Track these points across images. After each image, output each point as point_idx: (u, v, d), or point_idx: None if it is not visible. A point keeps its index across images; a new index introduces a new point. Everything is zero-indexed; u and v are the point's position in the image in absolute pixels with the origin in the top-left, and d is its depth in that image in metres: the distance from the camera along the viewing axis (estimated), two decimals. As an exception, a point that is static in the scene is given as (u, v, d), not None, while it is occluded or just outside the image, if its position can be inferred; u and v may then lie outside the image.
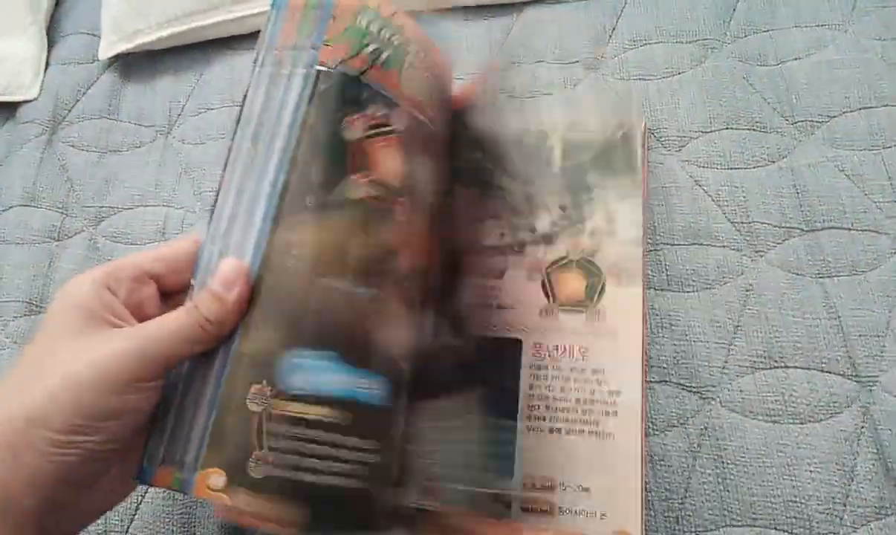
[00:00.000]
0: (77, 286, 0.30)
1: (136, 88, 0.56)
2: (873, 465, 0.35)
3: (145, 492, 0.41)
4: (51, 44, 0.60)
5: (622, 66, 0.48)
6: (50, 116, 0.56)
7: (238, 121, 0.33)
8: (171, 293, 0.33)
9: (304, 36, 0.34)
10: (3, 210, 0.53)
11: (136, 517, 0.41)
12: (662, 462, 0.37)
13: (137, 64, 0.57)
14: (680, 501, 0.36)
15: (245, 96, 0.33)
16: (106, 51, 0.56)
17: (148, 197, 0.51)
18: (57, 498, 0.27)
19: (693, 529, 0.35)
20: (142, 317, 0.31)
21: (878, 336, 0.37)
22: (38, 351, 0.29)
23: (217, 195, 0.33)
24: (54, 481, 0.27)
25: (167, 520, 0.41)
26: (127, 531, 0.41)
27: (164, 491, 0.41)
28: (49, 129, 0.56)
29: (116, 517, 0.41)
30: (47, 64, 0.59)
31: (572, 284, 0.39)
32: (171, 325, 0.29)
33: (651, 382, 0.38)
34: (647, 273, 0.41)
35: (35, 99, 0.57)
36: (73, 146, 0.55)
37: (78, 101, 0.57)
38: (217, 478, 0.30)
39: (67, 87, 0.57)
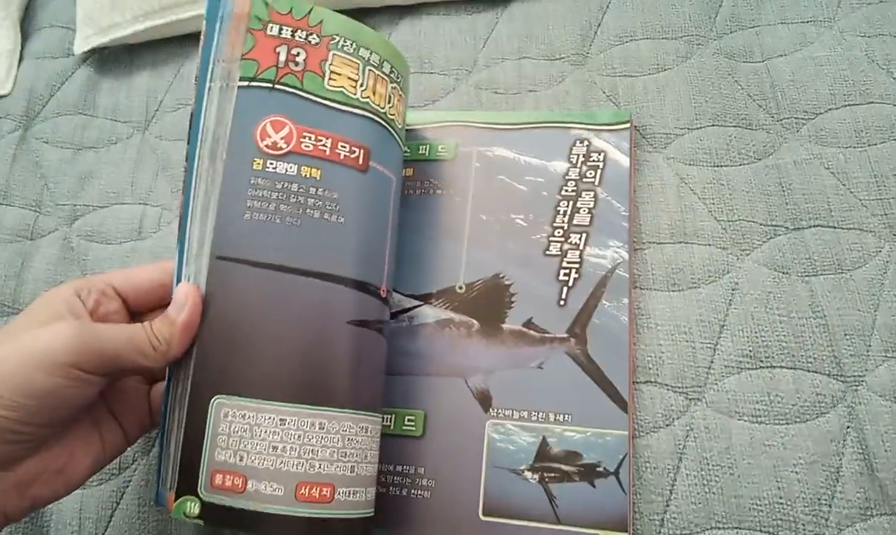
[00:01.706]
0: (51, 292, 0.32)
1: (113, 83, 0.55)
2: (859, 465, 0.35)
3: (120, 498, 0.40)
4: (24, 37, 0.59)
5: (608, 63, 0.47)
6: (23, 111, 0.55)
7: (190, 140, 0.33)
8: (138, 314, 0.35)
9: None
10: (-25, 208, 0.52)
11: (111, 525, 0.40)
12: (647, 464, 0.36)
13: (114, 58, 0.56)
14: (665, 503, 0.36)
15: (192, 114, 0.33)
16: (81, 45, 0.55)
17: (124, 195, 0.50)
18: None
19: (678, 531, 0.35)
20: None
21: (864, 335, 0.37)
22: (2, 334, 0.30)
23: (182, 218, 0.34)
24: None
25: (142, 528, 0.40)
26: (101, 539, 0.40)
27: (139, 498, 0.40)
28: (23, 124, 0.54)
29: (91, 525, 0.40)
30: (21, 58, 0.58)
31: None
32: (123, 331, 0.31)
33: (637, 382, 0.38)
34: (634, 272, 0.40)
35: (8, 94, 0.56)
36: (47, 142, 0.53)
37: (52, 96, 0.55)
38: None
39: (42, 81, 0.56)
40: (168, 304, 0.32)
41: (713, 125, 0.43)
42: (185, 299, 0.32)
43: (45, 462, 0.30)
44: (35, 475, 0.30)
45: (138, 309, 0.35)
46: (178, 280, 0.33)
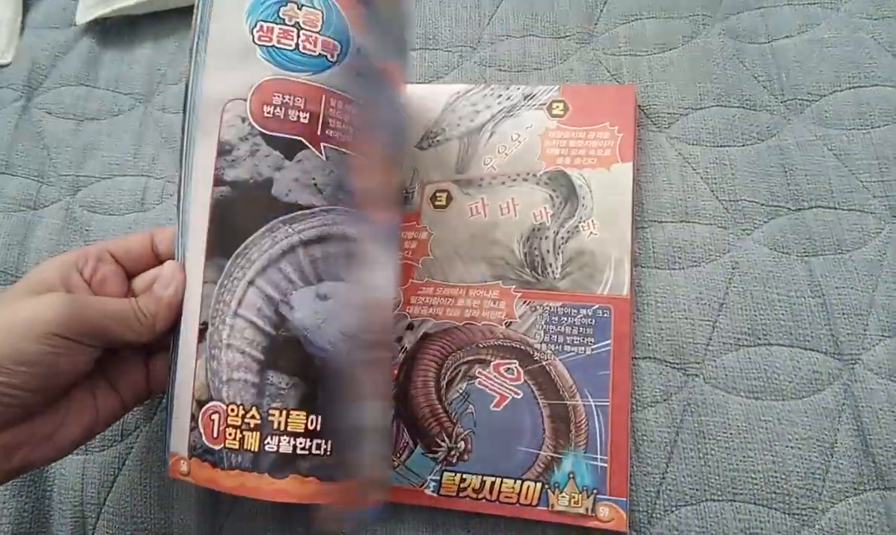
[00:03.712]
0: (47, 263, 0.33)
1: (115, 55, 0.55)
2: (853, 442, 0.35)
3: (122, 464, 0.41)
4: (26, 7, 0.58)
5: (613, 42, 0.47)
6: (25, 81, 0.55)
7: (185, 111, 0.33)
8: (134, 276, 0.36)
9: None
10: (-23, 177, 0.52)
11: (113, 490, 0.41)
12: (645, 437, 0.37)
13: (116, 29, 0.55)
14: (661, 475, 0.36)
15: (187, 84, 0.33)
16: (83, 15, 0.55)
17: (126, 167, 0.50)
18: None
19: (674, 503, 0.35)
20: (103, 293, 0.34)
21: (862, 315, 0.37)
22: None
23: (179, 189, 0.34)
24: None
25: (144, 493, 0.40)
26: (103, 504, 0.40)
27: (142, 463, 0.41)
28: (25, 95, 0.54)
29: (93, 490, 0.41)
30: (22, 27, 0.57)
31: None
32: (111, 304, 0.32)
33: (636, 358, 0.38)
34: (635, 250, 0.40)
35: (9, 64, 0.56)
36: (49, 113, 0.53)
37: (54, 66, 0.55)
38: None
39: (44, 52, 0.56)
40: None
41: (717, 105, 0.43)
42: (171, 276, 0.33)
43: (35, 427, 0.31)
44: (24, 440, 0.30)
45: (135, 272, 0.36)
46: (177, 254, 0.34)
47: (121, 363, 0.35)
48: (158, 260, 0.36)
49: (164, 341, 0.34)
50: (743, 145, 0.42)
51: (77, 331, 0.30)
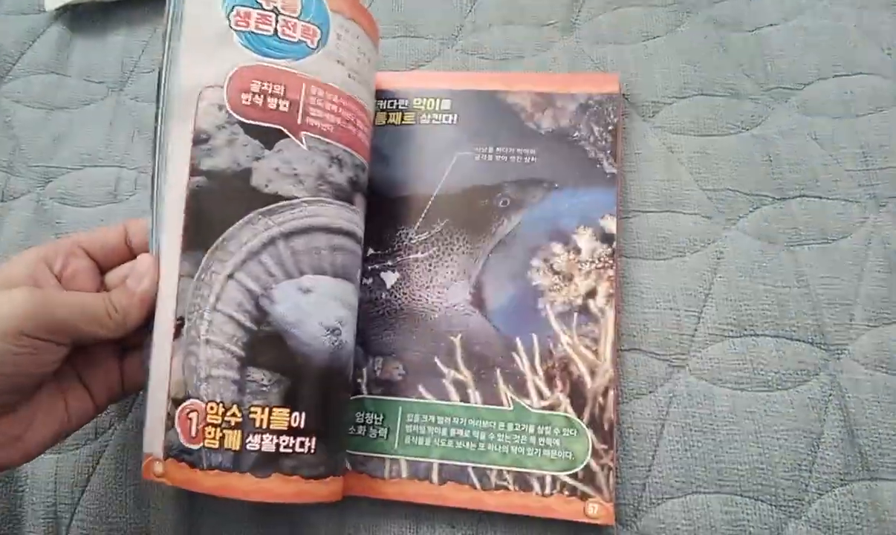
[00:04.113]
0: (15, 258, 0.32)
1: (86, 42, 0.53)
2: (839, 432, 0.35)
3: (96, 463, 0.40)
4: (-7, -7, 0.56)
5: (596, 30, 0.46)
6: (-8, 68, 0.53)
7: (158, 99, 0.33)
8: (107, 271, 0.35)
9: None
10: (-58, 169, 0.50)
11: (87, 490, 0.39)
12: (630, 430, 0.36)
13: (87, 16, 0.54)
14: (647, 468, 0.36)
15: (160, 72, 0.32)
16: (53, 1, 0.53)
17: (99, 157, 0.49)
18: None
19: (660, 496, 0.35)
20: (74, 289, 0.33)
21: (847, 304, 0.37)
22: None
23: (153, 180, 0.33)
24: None
25: (119, 493, 0.39)
26: (77, 504, 0.39)
27: (116, 463, 0.40)
28: (-8, 83, 0.52)
29: (66, 490, 0.39)
30: (-11, 14, 0.55)
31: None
32: (80, 299, 0.31)
33: (621, 349, 0.38)
34: (620, 241, 0.40)
35: (-24, 50, 0.54)
36: (18, 102, 0.51)
37: (23, 54, 0.53)
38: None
39: (11, 38, 0.54)
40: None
41: (701, 94, 0.43)
42: (144, 270, 0.32)
43: (2, 428, 0.29)
44: None
45: (108, 267, 0.35)
46: (151, 247, 0.33)
47: (93, 362, 0.34)
48: (132, 254, 0.35)
49: (137, 338, 0.33)
50: (727, 134, 0.42)
51: (44, 329, 0.28)
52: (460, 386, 0.37)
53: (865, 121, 0.41)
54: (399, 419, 0.37)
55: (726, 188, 0.41)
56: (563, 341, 0.37)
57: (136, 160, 0.48)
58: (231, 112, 0.32)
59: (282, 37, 0.33)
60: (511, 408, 0.36)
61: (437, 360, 0.38)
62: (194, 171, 0.32)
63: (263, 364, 0.31)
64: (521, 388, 0.37)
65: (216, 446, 0.30)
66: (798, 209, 0.39)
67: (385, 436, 0.37)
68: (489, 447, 0.36)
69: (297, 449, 0.31)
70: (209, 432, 0.30)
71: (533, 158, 0.41)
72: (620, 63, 0.45)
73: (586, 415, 0.36)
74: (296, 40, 0.33)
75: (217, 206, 0.32)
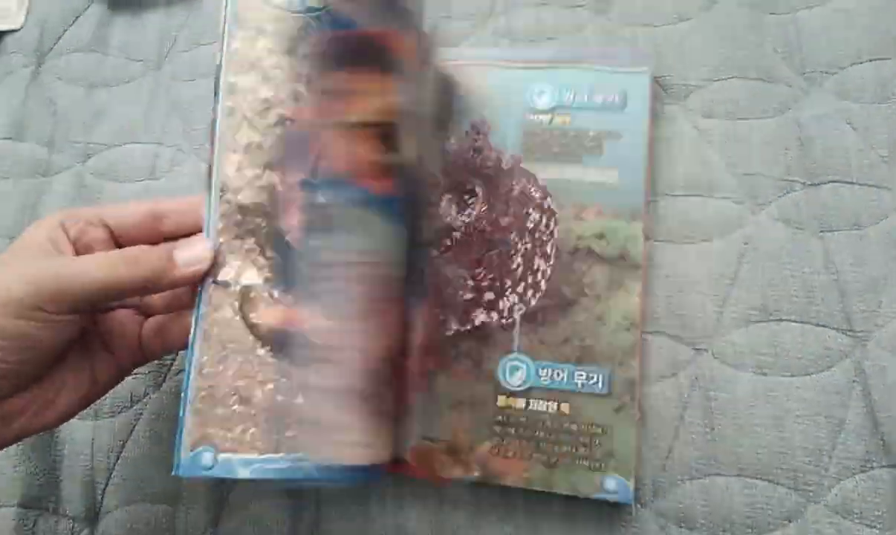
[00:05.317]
0: (37, 223, 0.32)
1: (126, 20, 0.54)
2: (862, 419, 0.35)
3: (131, 430, 0.41)
4: (37, -29, 0.58)
5: (628, 11, 0.46)
6: (35, 46, 0.54)
7: (216, 94, 0.34)
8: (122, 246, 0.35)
9: None
10: (-10, 143, 0.52)
11: (121, 456, 0.41)
12: (652, 411, 0.37)
13: (127, -5, 0.55)
14: (668, 449, 0.36)
15: (218, 68, 0.34)
16: (93, -21, 0.54)
17: (137, 134, 0.50)
18: None
19: (679, 477, 0.36)
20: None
21: (876, 292, 0.37)
22: None
23: (209, 171, 0.34)
24: None
25: (152, 460, 0.41)
26: (112, 469, 0.41)
27: (150, 431, 0.41)
28: (35, 60, 0.54)
29: (102, 456, 0.41)
30: (32, -9, 0.57)
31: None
32: (90, 260, 0.30)
33: (645, 332, 0.38)
34: (648, 224, 0.40)
35: (20, 28, 0.55)
36: (59, 79, 0.53)
37: (65, 31, 0.55)
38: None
39: (54, 16, 0.55)
40: (155, 242, 0.33)
41: (734, 77, 0.42)
42: (198, 257, 0.33)
43: (33, 395, 0.31)
44: (22, 408, 0.30)
45: (126, 242, 0.35)
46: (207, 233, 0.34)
47: (114, 325, 0.35)
48: (159, 232, 0.35)
49: (156, 305, 0.34)
50: (759, 118, 0.41)
51: (52, 301, 0.28)
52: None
53: (902, 106, 0.40)
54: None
55: (756, 173, 0.40)
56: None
57: (173, 138, 0.49)
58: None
59: None
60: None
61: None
62: None
63: None
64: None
65: None
66: (829, 195, 0.39)
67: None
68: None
69: None
70: None
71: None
72: (652, 44, 0.44)
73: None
74: None
75: None
